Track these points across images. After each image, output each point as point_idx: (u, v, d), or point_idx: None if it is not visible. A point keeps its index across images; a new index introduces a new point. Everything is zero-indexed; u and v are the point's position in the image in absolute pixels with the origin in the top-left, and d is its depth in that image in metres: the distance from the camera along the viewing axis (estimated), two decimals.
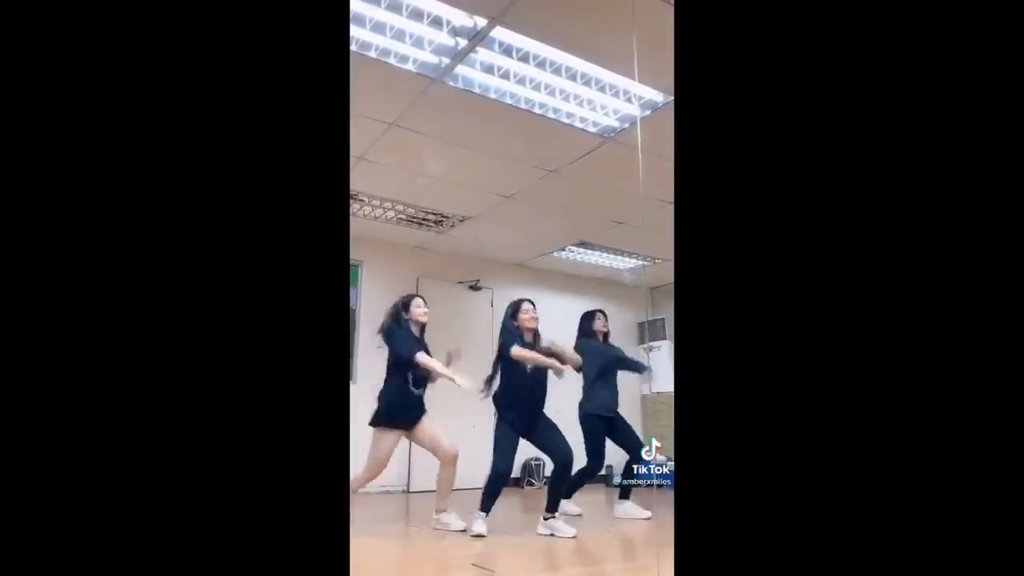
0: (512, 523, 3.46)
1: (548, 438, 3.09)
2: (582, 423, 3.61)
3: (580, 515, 3.33)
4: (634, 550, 2.92)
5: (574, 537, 2.87)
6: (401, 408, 3.06)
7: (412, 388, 3.08)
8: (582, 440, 3.58)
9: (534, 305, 3.28)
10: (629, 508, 3.60)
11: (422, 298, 3.28)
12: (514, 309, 3.25)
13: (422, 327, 3.21)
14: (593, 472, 3.57)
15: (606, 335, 3.81)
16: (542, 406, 3.20)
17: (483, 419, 3.61)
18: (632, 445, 3.56)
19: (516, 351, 3.05)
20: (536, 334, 3.24)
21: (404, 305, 3.22)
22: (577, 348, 3.54)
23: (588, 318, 3.81)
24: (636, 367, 4.07)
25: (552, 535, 2.91)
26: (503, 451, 3.03)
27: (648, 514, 3.50)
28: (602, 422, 3.59)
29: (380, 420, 3.04)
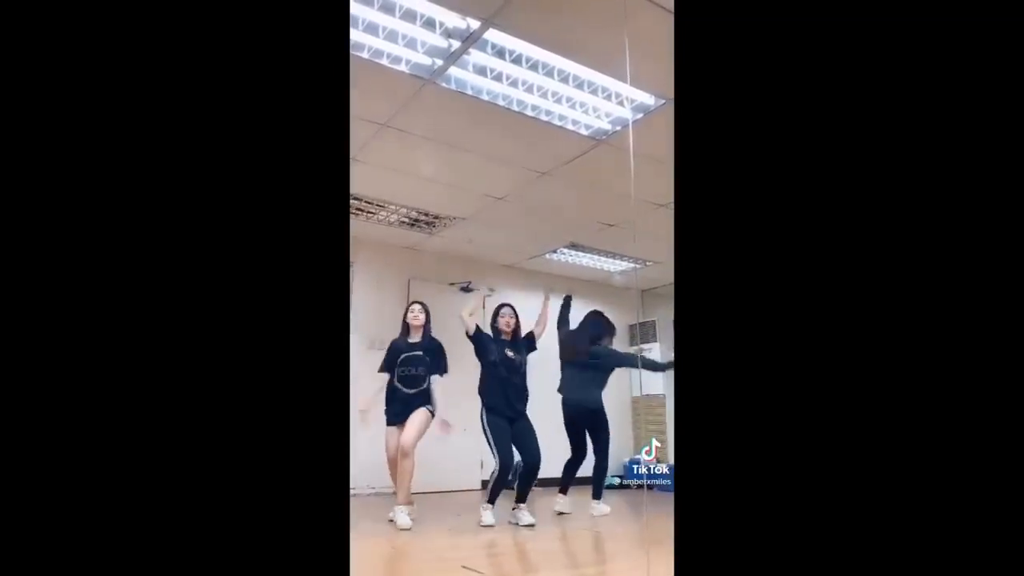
0: (499, 525, 3.45)
1: (526, 437, 3.42)
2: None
3: (533, 525, 3.32)
4: (629, 550, 2.92)
5: (532, 526, 3.21)
6: (389, 404, 3.46)
7: (399, 385, 3.42)
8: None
9: (512, 308, 3.67)
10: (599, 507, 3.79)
11: (419, 304, 3.64)
12: (493, 313, 3.67)
13: (417, 328, 3.55)
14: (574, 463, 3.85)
15: (514, 332, 3.64)
16: (525, 400, 3.53)
17: (473, 422, 3.61)
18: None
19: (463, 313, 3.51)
20: (515, 334, 3.61)
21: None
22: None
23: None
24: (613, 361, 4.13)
25: (517, 524, 3.26)
26: (499, 445, 3.32)
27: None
28: (574, 414, 3.79)
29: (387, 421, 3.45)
